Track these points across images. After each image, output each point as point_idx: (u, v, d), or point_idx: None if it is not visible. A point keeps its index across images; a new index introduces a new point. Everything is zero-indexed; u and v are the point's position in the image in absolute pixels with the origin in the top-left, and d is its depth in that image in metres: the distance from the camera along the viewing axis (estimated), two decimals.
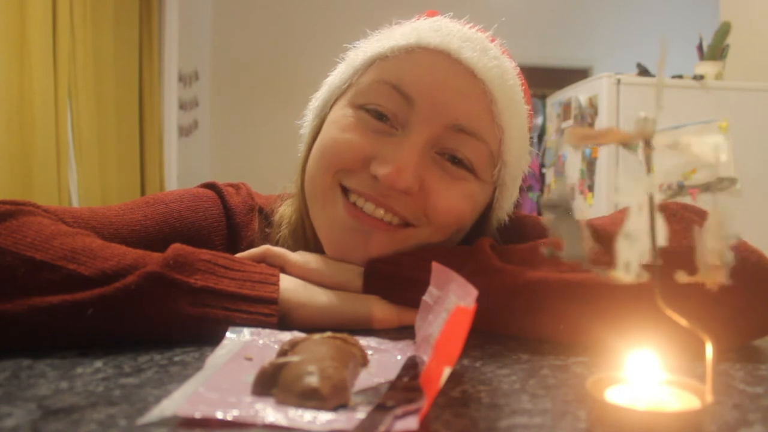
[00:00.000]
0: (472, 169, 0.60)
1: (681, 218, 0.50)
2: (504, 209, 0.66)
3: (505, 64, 0.60)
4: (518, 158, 0.63)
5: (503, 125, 0.59)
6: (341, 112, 0.61)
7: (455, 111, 0.57)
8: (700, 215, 0.51)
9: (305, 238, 0.65)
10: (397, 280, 0.56)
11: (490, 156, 0.60)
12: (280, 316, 0.52)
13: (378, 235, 0.58)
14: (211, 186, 0.72)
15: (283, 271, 0.57)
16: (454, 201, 0.59)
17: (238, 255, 0.58)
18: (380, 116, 0.59)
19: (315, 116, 0.66)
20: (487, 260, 0.53)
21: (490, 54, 0.59)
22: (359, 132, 0.58)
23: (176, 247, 0.52)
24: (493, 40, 0.62)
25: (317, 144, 0.62)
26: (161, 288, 0.48)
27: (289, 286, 0.55)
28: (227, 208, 0.69)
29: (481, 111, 0.58)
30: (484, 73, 0.57)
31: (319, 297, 0.55)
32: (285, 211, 0.69)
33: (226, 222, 0.69)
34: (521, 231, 0.68)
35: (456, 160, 0.59)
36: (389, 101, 0.58)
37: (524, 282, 0.50)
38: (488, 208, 0.65)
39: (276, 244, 0.66)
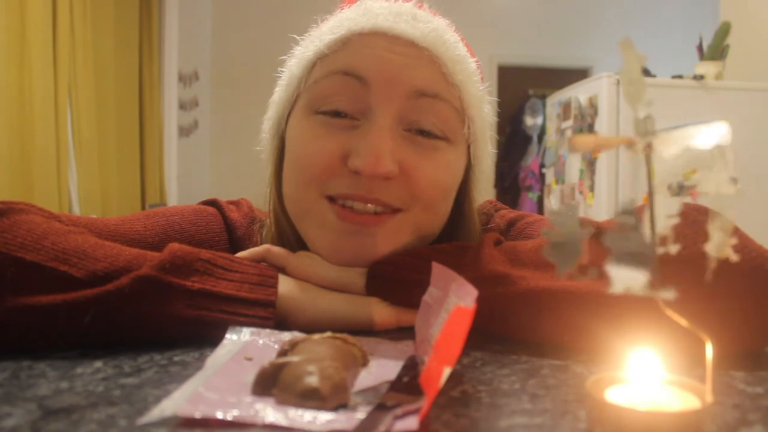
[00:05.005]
0: (443, 136, 0.59)
1: (698, 225, 0.48)
2: (482, 165, 0.66)
3: (440, 26, 0.60)
4: (480, 110, 0.63)
5: (457, 83, 0.59)
6: (302, 124, 0.60)
7: (410, 79, 0.57)
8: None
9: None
10: (400, 281, 0.56)
11: (456, 114, 0.60)
12: (279, 320, 0.52)
13: (374, 231, 0.58)
14: (211, 202, 0.71)
15: (284, 272, 0.57)
16: (434, 175, 0.59)
17: (239, 254, 0.57)
18: (339, 115, 0.58)
19: (272, 136, 0.65)
20: (490, 265, 0.52)
21: (422, 20, 0.59)
22: (326, 135, 0.58)
23: (174, 248, 0.51)
24: (420, 7, 0.61)
25: (289, 162, 0.61)
26: (156, 291, 0.48)
27: (288, 290, 0.54)
28: (228, 222, 0.68)
29: (434, 74, 0.58)
30: (423, 40, 0.58)
31: (318, 301, 0.55)
32: (266, 236, 0.68)
33: (228, 237, 0.68)
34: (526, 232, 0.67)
35: (425, 132, 0.59)
36: (344, 90, 0.58)
37: (526, 290, 0.50)
38: (468, 168, 0.65)
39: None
